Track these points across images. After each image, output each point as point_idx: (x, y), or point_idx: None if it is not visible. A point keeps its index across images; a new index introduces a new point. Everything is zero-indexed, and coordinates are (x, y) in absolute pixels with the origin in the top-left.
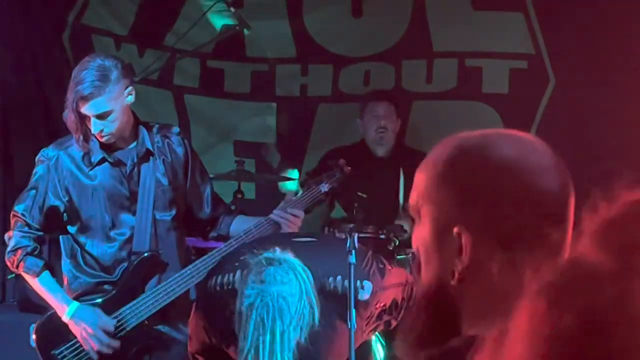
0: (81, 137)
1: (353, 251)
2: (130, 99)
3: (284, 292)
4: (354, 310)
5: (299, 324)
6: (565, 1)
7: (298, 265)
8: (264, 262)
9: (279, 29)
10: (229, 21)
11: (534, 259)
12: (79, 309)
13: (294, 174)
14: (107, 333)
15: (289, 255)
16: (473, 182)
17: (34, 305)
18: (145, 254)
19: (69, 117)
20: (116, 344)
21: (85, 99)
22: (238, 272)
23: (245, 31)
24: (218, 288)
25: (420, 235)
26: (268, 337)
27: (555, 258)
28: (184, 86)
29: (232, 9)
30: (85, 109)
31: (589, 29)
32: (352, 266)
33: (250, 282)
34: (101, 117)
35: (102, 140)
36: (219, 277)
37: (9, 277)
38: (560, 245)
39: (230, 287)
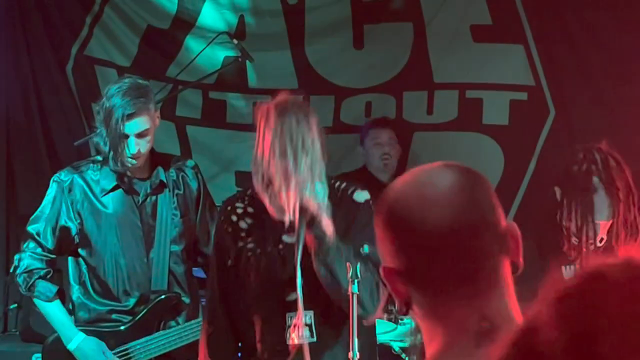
0: (119, 158)
1: (356, 281)
2: (158, 121)
3: None
4: (356, 339)
5: None
6: (565, 33)
7: None
8: None
9: (280, 60)
10: (232, 53)
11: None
12: (84, 341)
13: None
14: None
15: None
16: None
17: (36, 335)
18: (166, 296)
19: (110, 138)
20: None
21: (130, 116)
22: None
23: (248, 63)
24: None
25: None
26: None
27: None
28: (186, 117)
29: (235, 41)
30: (127, 128)
31: (589, 60)
32: (355, 295)
33: None
34: (141, 135)
35: (135, 162)
36: None
37: (11, 307)
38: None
39: None
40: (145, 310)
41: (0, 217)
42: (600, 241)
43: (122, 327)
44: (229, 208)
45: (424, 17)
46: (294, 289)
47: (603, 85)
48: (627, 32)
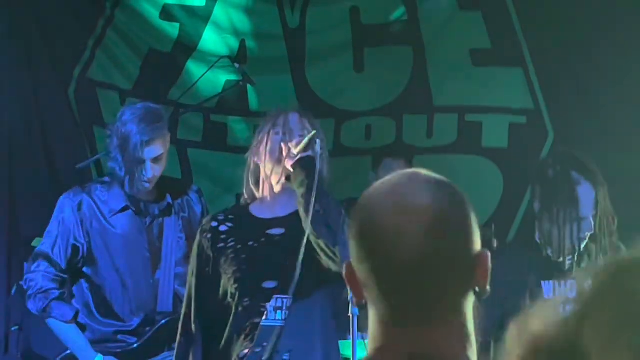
0: (135, 183)
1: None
2: (168, 145)
3: None
4: None
5: None
6: (563, 56)
7: None
8: None
9: (281, 84)
10: (233, 76)
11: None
12: None
13: None
14: None
15: None
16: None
17: (38, 357)
18: (172, 318)
19: (127, 163)
20: None
21: (147, 143)
22: None
23: (249, 86)
24: None
25: None
26: None
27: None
28: (188, 140)
29: (236, 65)
30: (145, 153)
31: (588, 83)
32: (356, 317)
33: None
34: (156, 160)
35: (148, 185)
36: None
37: (13, 328)
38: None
39: None
40: (152, 332)
41: (1, 239)
42: (586, 237)
43: (126, 349)
44: (209, 218)
45: (424, 41)
46: (272, 278)
47: (602, 108)
48: (626, 55)
